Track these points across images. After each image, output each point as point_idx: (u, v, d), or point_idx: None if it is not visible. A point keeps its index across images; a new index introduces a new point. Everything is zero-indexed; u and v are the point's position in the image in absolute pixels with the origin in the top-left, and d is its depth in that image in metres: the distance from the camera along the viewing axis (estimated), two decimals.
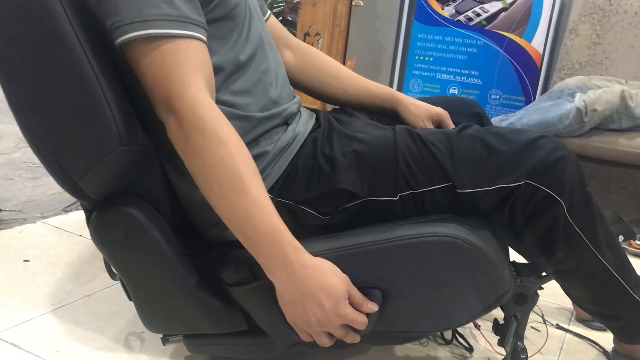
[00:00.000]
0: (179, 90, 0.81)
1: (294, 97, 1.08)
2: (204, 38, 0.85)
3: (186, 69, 0.81)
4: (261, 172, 0.94)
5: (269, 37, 1.05)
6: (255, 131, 0.96)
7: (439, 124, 1.20)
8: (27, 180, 2.09)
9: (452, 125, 1.20)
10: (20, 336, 1.15)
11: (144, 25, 0.80)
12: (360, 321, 0.85)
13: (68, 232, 1.69)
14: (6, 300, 1.28)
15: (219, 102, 0.91)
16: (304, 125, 1.03)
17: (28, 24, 0.78)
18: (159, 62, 0.81)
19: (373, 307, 0.86)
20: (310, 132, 1.03)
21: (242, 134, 0.92)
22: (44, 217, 1.78)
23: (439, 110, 1.19)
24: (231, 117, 0.91)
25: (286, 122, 1.01)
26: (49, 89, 0.81)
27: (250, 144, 0.95)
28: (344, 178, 0.92)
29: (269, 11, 1.16)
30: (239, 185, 0.80)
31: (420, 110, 1.19)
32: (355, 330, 0.87)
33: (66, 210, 1.85)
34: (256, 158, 0.94)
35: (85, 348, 1.14)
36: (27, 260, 1.48)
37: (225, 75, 0.93)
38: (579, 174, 0.90)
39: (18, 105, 0.82)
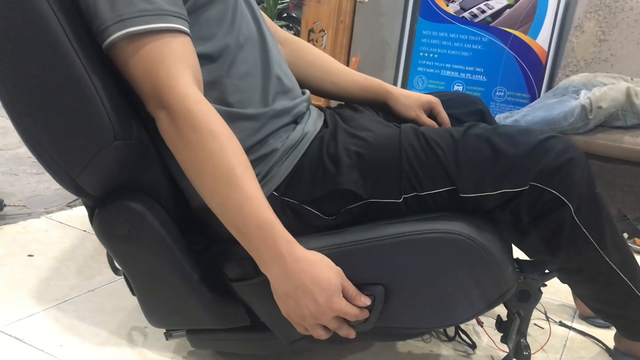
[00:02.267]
0: (168, 86, 0.81)
1: (304, 93, 1.07)
2: (186, 29, 0.85)
3: (172, 63, 0.81)
4: (269, 171, 0.94)
5: (264, 21, 1.05)
6: (264, 129, 0.95)
7: (430, 111, 1.20)
8: (32, 176, 2.10)
9: (444, 113, 1.19)
10: (24, 330, 1.16)
11: (122, 24, 0.79)
12: (354, 314, 0.85)
13: (72, 227, 1.69)
14: (10, 294, 1.29)
15: (224, 94, 0.91)
16: (312, 124, 1.02)
17: (16, 23, 0.78)
18: (145, 60, 0.81)
19: (366, 300, 0.86)
20: (319, 132, 1.03)
21: (250, 134, 0.92)
22: (48, 213, 1.79)
23: (429, 98, 1.18)
24: (240, 118, 0.91)
25: (295, 121, 1.01)
26: (41, 87, 0.81)
27: (260, 143, 0.94)
28: (348, 178, 0.92)
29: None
30: (232, 179, 0.80)
31: (410, 100, 1.18)
32: (352, 325, 0.87)
33: (70, 205, 1.86)
34: (264, 157, 0.94)
35: (89, 342, 1.14)
36: (31, 255, 1.49)
37: (231, 57, 0.92)
38: (587, 176, 0.89)
39: (11, 105, 0.82)
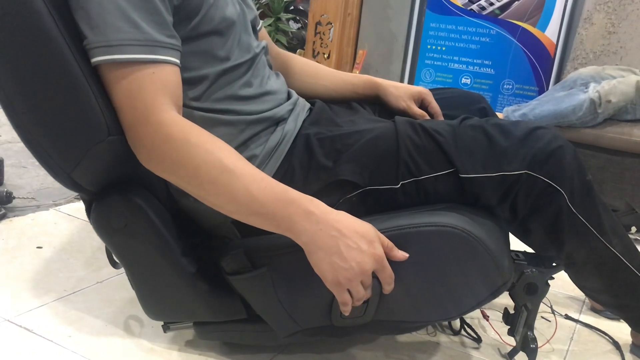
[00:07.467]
0: (143, 119, 0.81)
1: (288, 98, 1.07)
2: (173, 60, 0.84)
3: (149, 94, 0.81)
4: None
5: (259, 47, 1.04)
6: (243, 135, 0.95)
7: (421, 102, 1.21)
8: (40, 168, 2.10)
9: (435, 104, 1.21)
10: (33, 321, 1.17)
11: (107, 50, 0.79)
12: (390, 271, 0.83)
13: (80, 219, 1.71)
14: (20, 286, 1.30)
15: (206, 110, 0.92)
16: (293, 121, 1.02)
17: (12, 20, 0.78)
18: (124, 88, 0.81)
19: (402, 255, 0.84)
20: (302, 126, 1.02)
21: (230, 139, 0.91)
22: (56, 205, 1.80)
23: (420, 89, 1.21)
24: (218, 124, 0.92)
25: (276, 124, 1.00)
26: (36, 83, 0.81)
27: (240, 148, 0.94)
28: (345, 169, 0.92)
29: (261, 22, 1.16)
30: (229, 174, 0.80)
31: (400, 90, 1.20)
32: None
33: (78, 198, 1.87)
34: None
35: (97, 333, 1.15)
36: (40, 247, 1.50)
37: (209, 84, 0.92)
38: (577, 163, 0.90)
39: (6, 99, 0.83)
